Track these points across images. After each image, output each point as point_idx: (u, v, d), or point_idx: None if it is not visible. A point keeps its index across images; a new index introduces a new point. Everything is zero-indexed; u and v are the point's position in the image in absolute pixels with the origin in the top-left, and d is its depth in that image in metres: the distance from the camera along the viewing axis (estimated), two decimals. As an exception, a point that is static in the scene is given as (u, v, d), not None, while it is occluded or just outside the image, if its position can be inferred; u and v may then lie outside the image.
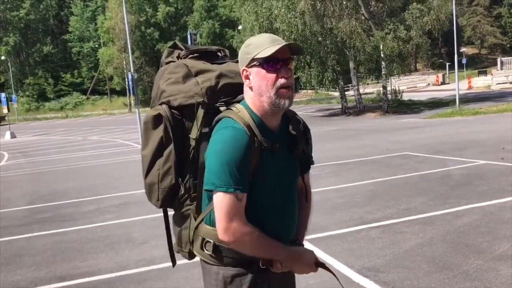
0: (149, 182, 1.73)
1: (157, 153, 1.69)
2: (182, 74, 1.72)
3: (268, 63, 1.58)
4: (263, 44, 1.59)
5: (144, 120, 1.73)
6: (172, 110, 1.69)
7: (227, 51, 1.89)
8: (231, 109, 1.64)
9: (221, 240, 1.56)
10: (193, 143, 1.66)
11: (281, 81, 1.58)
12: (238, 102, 1.68)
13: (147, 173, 1.73)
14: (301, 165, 1.77)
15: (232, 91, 1.71)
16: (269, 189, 1.64)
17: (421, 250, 4.47)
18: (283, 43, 1.58)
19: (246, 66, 1.62)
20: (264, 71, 1.59)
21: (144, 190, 1.78)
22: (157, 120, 1.69)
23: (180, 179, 1.69)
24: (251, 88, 1.63)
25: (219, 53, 1.87)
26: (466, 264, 4.05)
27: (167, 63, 1.83)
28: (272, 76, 1.58)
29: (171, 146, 1.66)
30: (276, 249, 1.61)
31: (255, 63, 1.60)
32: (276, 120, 1.66)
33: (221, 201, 1.52)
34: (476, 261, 4.10)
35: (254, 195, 1.60)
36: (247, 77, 1.63)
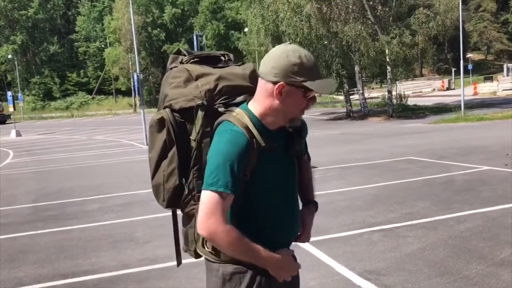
0: (155, 183, 1.78)
1: (162, 155, 1.74)
2: (183, 79, 1.76)
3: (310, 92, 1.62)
4: (312, 72, 1.59)
5: (150, 124, 1.78)
6: (174, 113, 1.73)
7: (231, 55, 1.92)
8: (230, 113, 1.67)
9: (199, 234, 1.59)
10: (193, 144, 1.71)
11: (308, 106, 1.65)
12: (237, 103, 1.71)
13: (153, 174, 1.78)
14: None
15: (231, 93, 1.74)
16: (268, 188, 1.67)
17: (423, 254, 4.48)
18: (328, 79, 1.68)
19: (285, 80, 1.58)
20: (302, 97, 1.62)
21: (148, 190, 1.82)
22: (160, 123, 1.73)
23: (184, 179, 1.73)
24: (277, 100, 1.61)
25: (222, 57, 1.90)
26: (467, 269, 4.06)
27: (171, 68, 1.87)
28: (305, 103, 1.64)
29: (174, 148, 1.71)
30: (255, 253, 1.59)
31: (299, 85, 1.59)
32: (276, 124, 1.69)
33: (205, 197, 1.56)
34: (477, 266, 4.11)
35: (253, 195, 1.63)
36: (279, 92, 1.59)
